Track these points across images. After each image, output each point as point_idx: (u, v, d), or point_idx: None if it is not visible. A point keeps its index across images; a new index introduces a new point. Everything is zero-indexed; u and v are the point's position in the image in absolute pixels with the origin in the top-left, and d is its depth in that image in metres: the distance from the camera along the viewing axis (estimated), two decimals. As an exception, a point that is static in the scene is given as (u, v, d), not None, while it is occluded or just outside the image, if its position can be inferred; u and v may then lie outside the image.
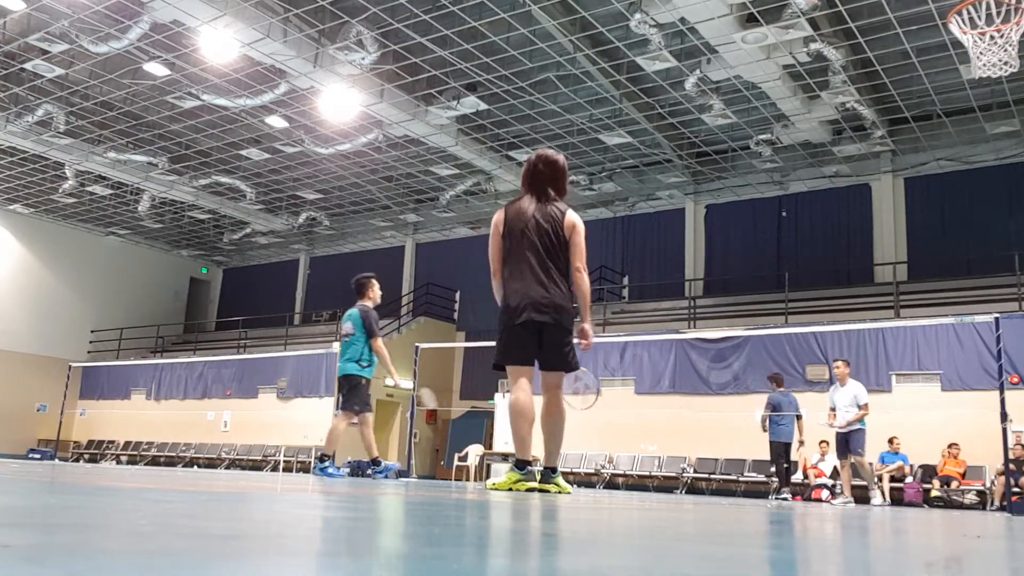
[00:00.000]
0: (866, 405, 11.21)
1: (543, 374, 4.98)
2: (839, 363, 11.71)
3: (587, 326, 4.99)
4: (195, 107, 17.38)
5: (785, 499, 11.91)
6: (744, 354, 15.68)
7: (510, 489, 4.95)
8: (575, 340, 4.99)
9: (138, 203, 23.03)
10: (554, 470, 5.04)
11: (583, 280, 4.90)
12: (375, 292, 8.66)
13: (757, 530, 2.79)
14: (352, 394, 8.39)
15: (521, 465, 4.99)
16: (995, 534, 3.39)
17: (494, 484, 5.26)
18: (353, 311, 8.56)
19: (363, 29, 13.87)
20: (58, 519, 1.52)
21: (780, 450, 12.37)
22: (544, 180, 5.01)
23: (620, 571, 1.18)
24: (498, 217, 5.08)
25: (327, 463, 8.42)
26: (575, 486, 15.72)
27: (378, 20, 13.73)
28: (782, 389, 12.72)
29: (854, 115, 16.14)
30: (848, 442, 11.24)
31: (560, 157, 5.13)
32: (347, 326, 8.52)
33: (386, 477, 8.48)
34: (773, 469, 12.73)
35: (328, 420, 17.27)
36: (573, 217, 4.94)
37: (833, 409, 11.47)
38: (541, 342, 4.87)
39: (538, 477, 5.01)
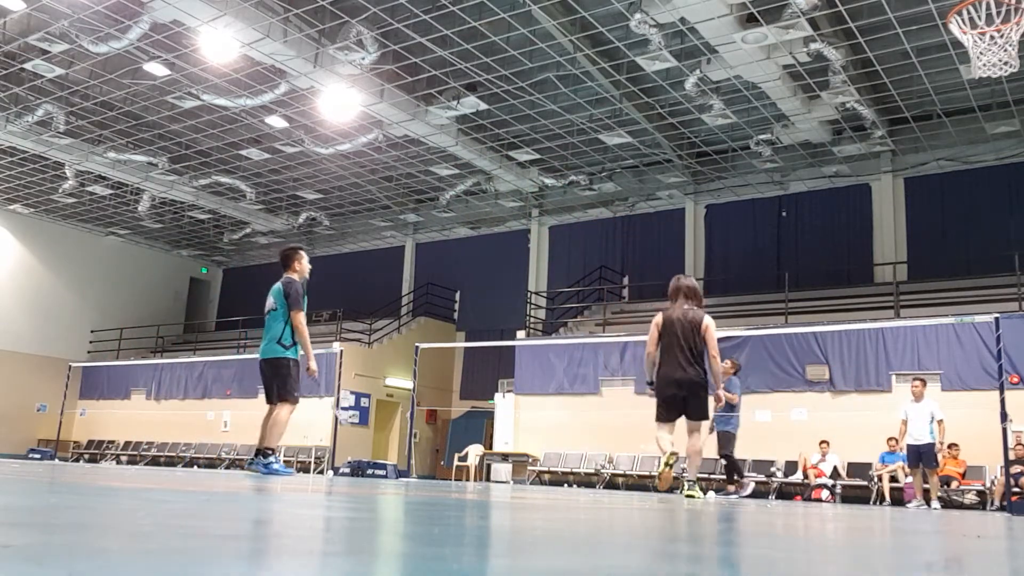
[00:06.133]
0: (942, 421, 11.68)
1: (688, 421, 7.39)
2: (917, 382, 12.07)
3: (720, 392, 7.90)
4: (195, 107, 17.37)
5: (730, 494, 11.20)
6: (744, 354, 15.64)
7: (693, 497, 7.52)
8: (711, 400, 7.61)
9: (138, 203, 23.01)
10: (693, 482, 7.55)
11: (716, 363, 7.39)
12: (303, 265, 7.96)
13: (760, 531, 2.79)
14: (283, 380, 7.58)
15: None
16: (995, 534, 3.39)
17: (689, 494, 7.54)
18: (276, 284, 7.82)
19: (363, 29, 13.86)
20: (58, 519, 1.52)
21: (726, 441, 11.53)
22: (688, 295, 7.60)
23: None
24: (658, 319, 7.54)
25: (271, 458, 7.58)
26: (575, 487, 15.75)
27: (378, 20, 13.72)
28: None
29: (854, 115, 16.12)
30: (922, 456, 11.73)
31: (696, 283, 7.82)
32: (269, 301, 7.78)
33: (270, 474, 7.48)
34: (725, 463, 11.75)
35: (327, 420, 17.30)
36: (708, 321, 7.45)
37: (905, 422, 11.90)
38: (683, 405, 7.37)
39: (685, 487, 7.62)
